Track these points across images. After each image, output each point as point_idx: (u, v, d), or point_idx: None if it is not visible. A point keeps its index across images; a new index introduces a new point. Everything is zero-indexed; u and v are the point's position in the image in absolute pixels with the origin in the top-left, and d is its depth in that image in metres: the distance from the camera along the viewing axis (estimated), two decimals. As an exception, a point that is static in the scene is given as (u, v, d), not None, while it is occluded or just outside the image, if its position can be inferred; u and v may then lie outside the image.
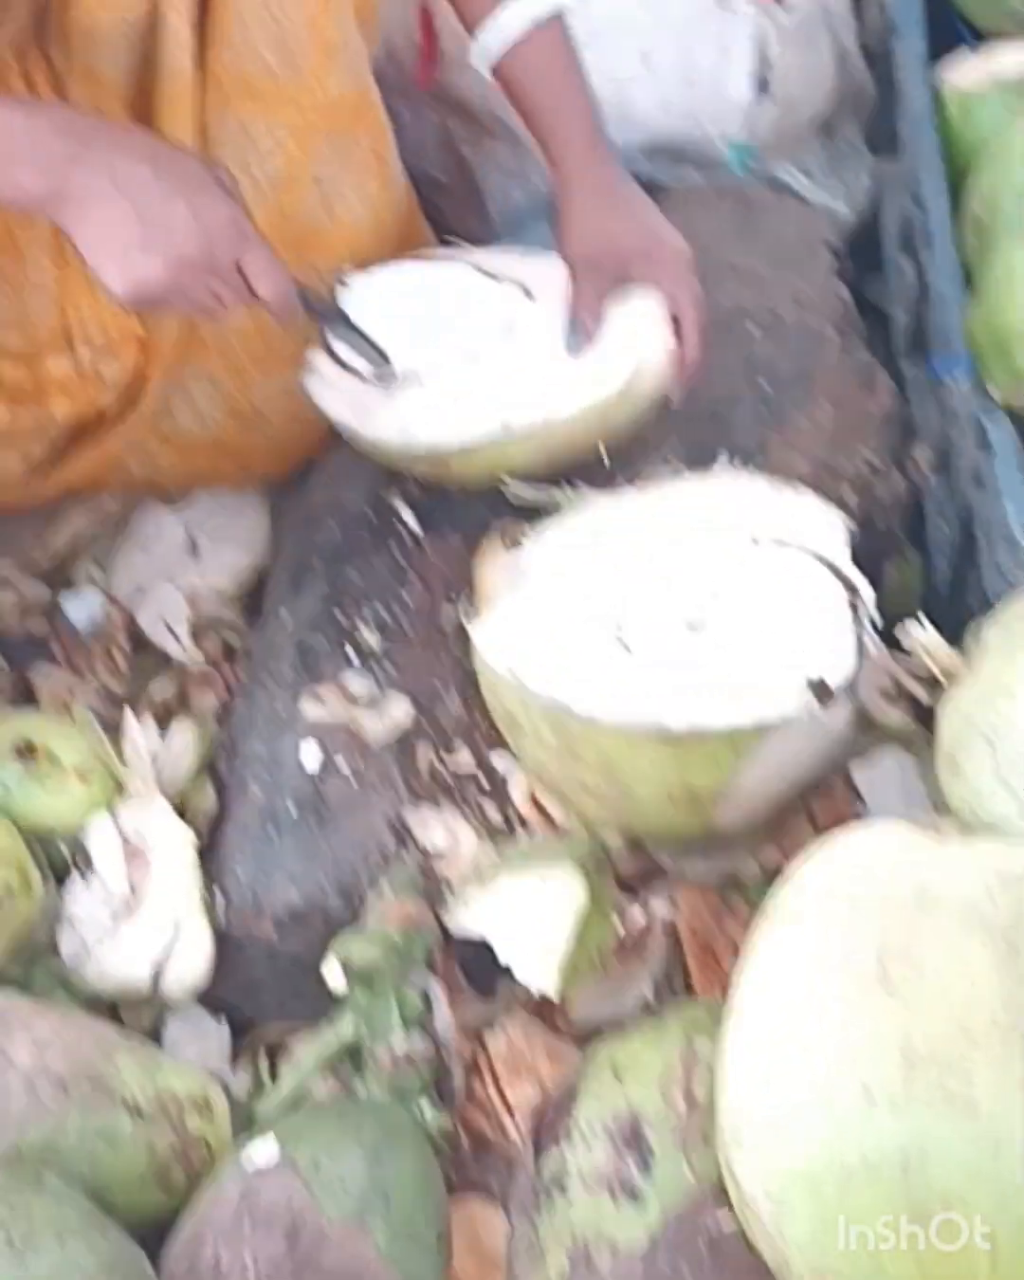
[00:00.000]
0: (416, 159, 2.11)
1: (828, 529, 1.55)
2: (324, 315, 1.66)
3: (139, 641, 1.97)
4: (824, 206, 2.08)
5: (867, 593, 1.50)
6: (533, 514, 1.68)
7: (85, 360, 1.74)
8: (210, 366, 1.79)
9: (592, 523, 1.61)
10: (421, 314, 1.74)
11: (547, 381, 1.67)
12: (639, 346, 1.66)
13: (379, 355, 1.68)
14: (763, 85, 2.02)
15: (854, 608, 1.50)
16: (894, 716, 1.68)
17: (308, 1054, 1.47)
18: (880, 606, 1.79)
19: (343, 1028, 1.48)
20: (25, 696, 1.92)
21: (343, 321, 1.67)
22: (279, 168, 1.69)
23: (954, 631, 1.77)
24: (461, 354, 1.70)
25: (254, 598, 1.99)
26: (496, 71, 1.73)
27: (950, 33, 1.99)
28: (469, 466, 1.68)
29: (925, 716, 1.69)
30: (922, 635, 1.51)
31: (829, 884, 1.22)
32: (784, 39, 2.01)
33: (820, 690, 1.45)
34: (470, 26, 1.74)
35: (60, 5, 1.58)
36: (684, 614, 1.53)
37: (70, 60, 1.60)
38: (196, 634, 1.95)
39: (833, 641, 1.48)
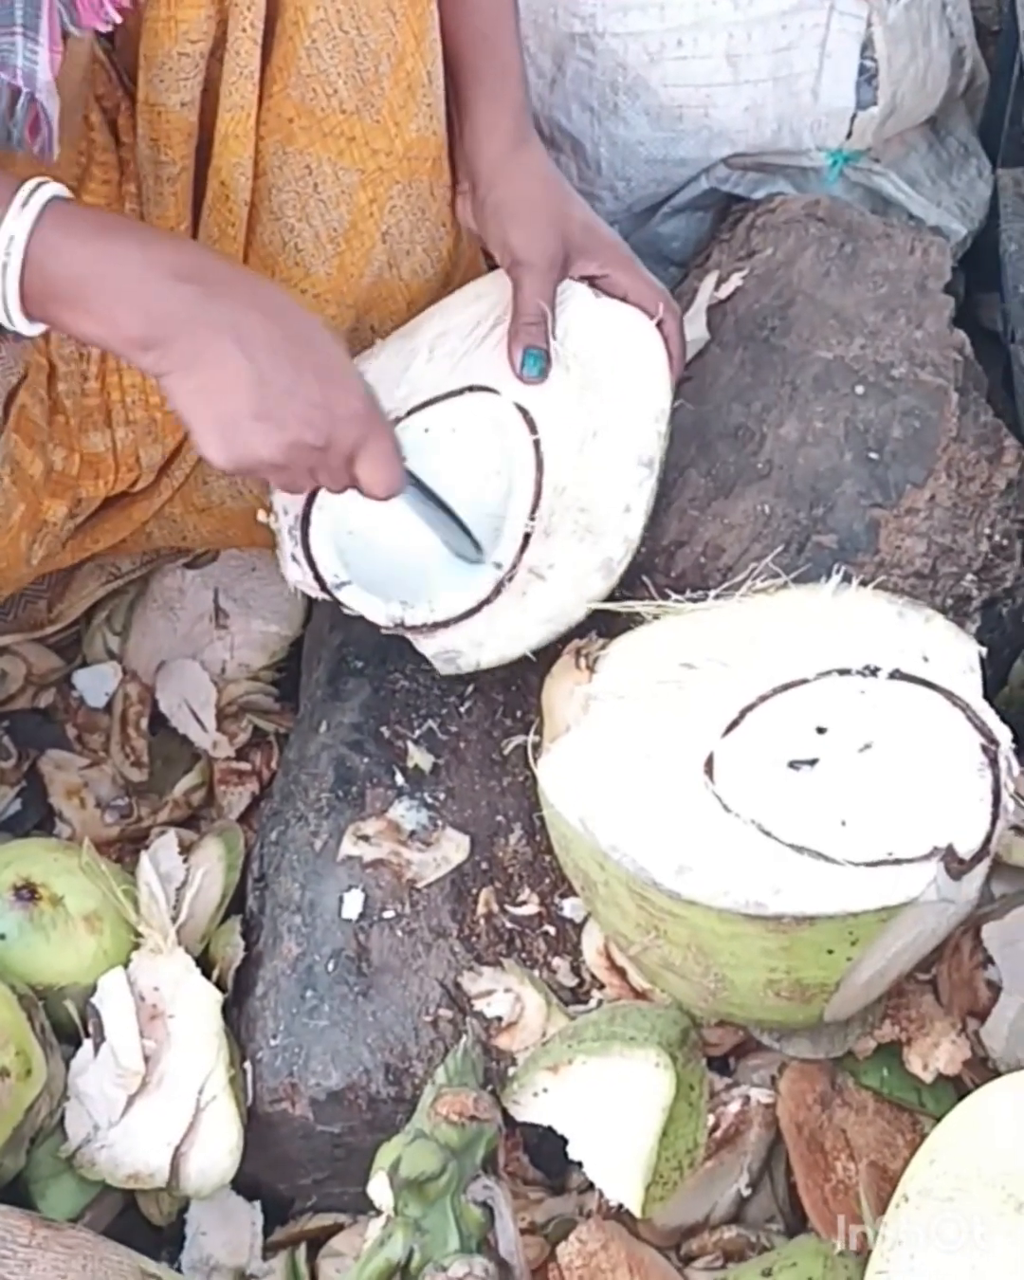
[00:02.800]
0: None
1: (959, 659, 1.31)
2: (431, 505, 1.43)
3: (158, 717, 1.77)
4: (934, 224, 1.82)
5: (1006, 741, 1.27)
6: (608, 621, 1.45)
7: (123, 441, 1.53)
8: None
9: (679, 640, 1.38)
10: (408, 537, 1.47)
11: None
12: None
13: (476, 551, 1.45)
14: (867, 87, 1.76)
15: (990, 756, 1.27)
16: (1026, 850, 1.46)
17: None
18: (1005, 706, 1.58)
19: (391, 1247, 1.27)
20: (34, 785, 1.73)
21: (449, 516, 1.44)
22: (343, 218, 1.46)
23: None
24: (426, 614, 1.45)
25: (287, 666, 1.78)
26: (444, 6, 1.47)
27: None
28: None
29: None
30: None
31: (979, 1165, 1.01)
32: (892, 34, 1.75)
33: (952, 861, 1.23)
34: None
35: (135, 34, 1.37)
36: (786, 752, 1.31)
37: (134, 92, 1.41)
38: (223, 717, 1.75)
39: (965, 797, 1.26)
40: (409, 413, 1.50)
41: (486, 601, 1.44)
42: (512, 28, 1.53)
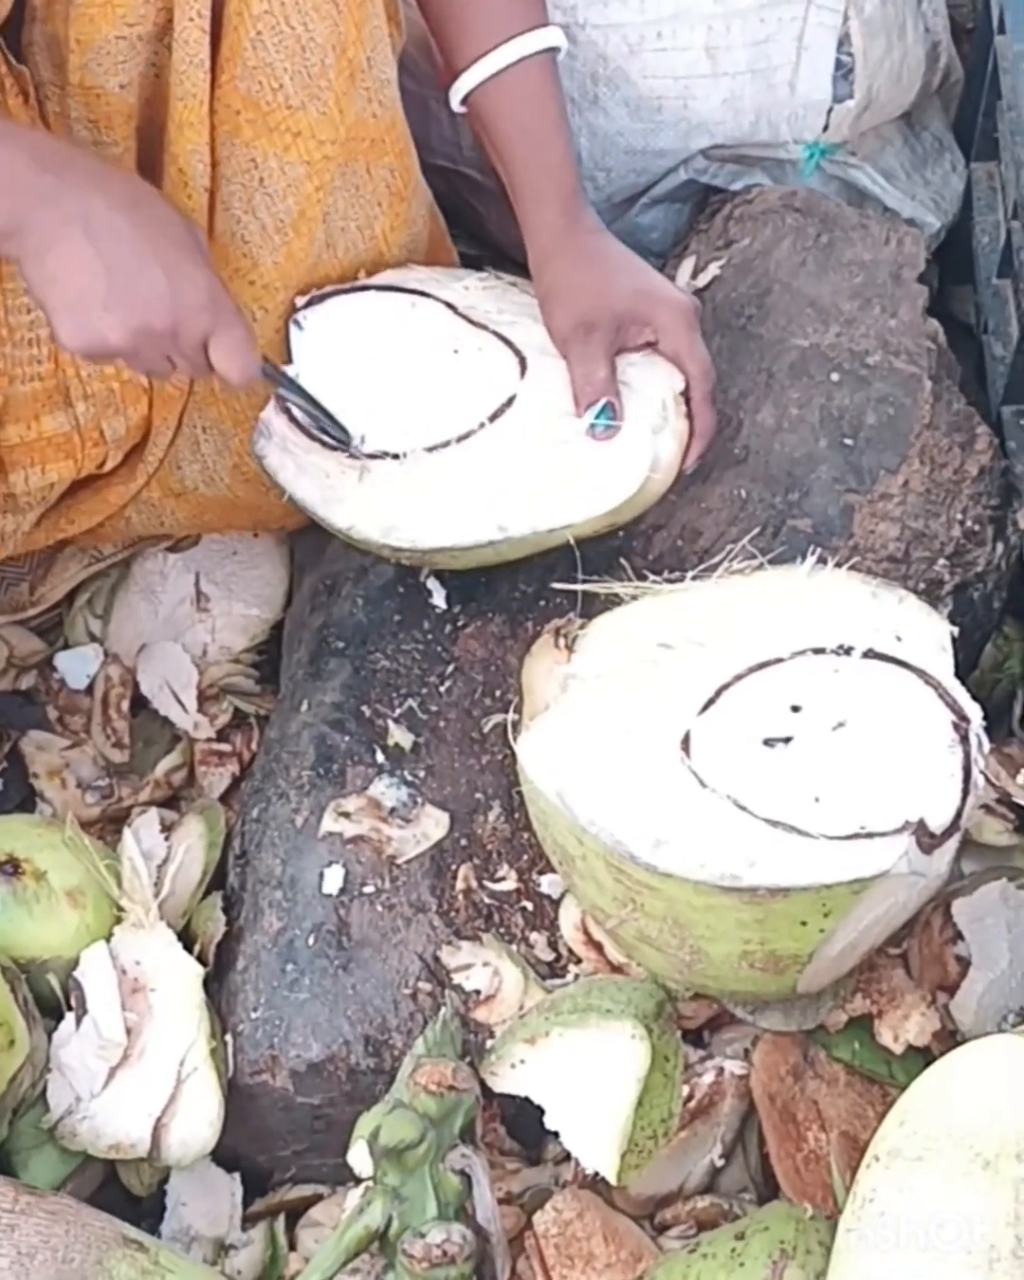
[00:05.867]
0: (451, 158, 1.88)
1: (931, 638, 1.34)
2: (289, 390, 1.48)
3: (140, 700, 1.78)
4: (909, 217, 1.84)
5: (976, 719, 1.29)
6: (587, 602, 1.47)
7: (85, 416, 1.54)
8: (216, 414, 1.58)
9: (656, 620, 1.41)
10: (398, 371, 1.51)
11: (549, 480, 1.45)
12: (652, 441, 1.45)
13: (342, 434, 1.49)
14: (844, 81, 1.78)
15: (961, 733, 1.29)
16: (995, 829, 1.49)
17: (328, 1248, 1.29)
18: (976, 689, 1.60)
19: (370, 1214, 1.29)
20: (15, 766, 1.74)
21: (307, 398, 1.48)
22: (291, 209, 1.47)
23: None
24: (447, 430, 1.48)
25: (268, 649, 1.80)
26: (469, 104, 1.53)
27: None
28: (457, 561, 1.49)
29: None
30: (1044, 774, 1.30)
31: (948, 1125, 1.03)
32: (868, 29, 1.77)
33: (923, 835, 1.25)
34: (453, 64, 1.53)
35: (49, 15, 1.38)
36: (761, 729, 1.33)
37: (65, 74, 1.40)
38: (204, 699, 1.77)
39: (936, 773, 1.28)
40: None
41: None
42: (554, 117, 1.54)
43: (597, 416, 1.46)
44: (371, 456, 1.47)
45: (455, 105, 1.54)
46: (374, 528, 1.45)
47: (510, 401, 1.49)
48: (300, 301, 1.52)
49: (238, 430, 1.59)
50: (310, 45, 1.40)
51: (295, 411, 1.48)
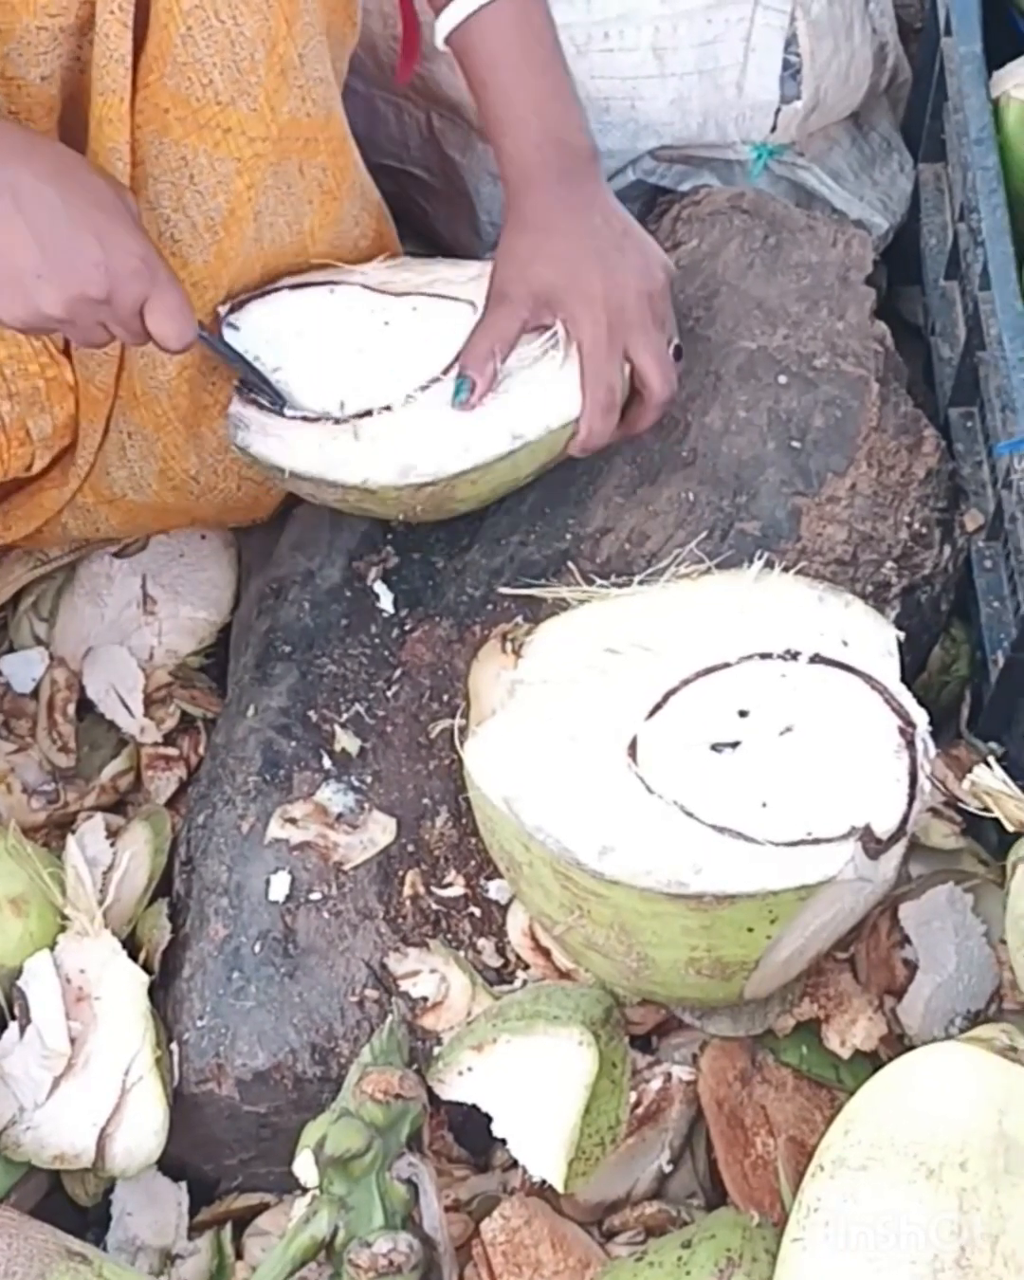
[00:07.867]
0: (398, 158, 1.88)
1: (878, 643, 1.34)
2: (226, 355, 1.49)
3: (85, 703, 1.77)
4: (857, 218, 1.84)
5: (923, 724, 1.29)
6: (534, 607, 1.46)
7: (10, 415, 1.52)
8: (140, 419, 1.57)
9: (603, 625, 1.40)
10: (350, 345, 1.52)
11: (545, 381, 1.47)
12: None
13: (275, 399, 1.49)
14: (791, 82, 1.78)
15: (908, 738, 1.29)
16: (942, 832, 1.49)
17: (274, 1257, 1.28)
18: (924, 691, 1.61)
19: (316, 1224, 1.28)
20: (-40, 771, 1.73)
21: (244, 363, 1.50)
22: (221, 207, 1.46)
23: (1008, 718, 1.59)
24: (430, 370, 1.48)
25: (215, 652, 1.79)
26: (454, 42, 1.51)
27: (1007, 33, 1.74)
28: (478, 486, 1.47)
29: (975, 827, 1.51)
30: (988, 779, 1.30)
31: (892, 1133, 1.03)
32: (815, 29, 1.77)
33: (869, 840, 1.25)
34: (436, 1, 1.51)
35: None
36: (708, 734, 1.33)
37: None
38: (150, 703, 1.76)
39: (883, 778, 1.28)
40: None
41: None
42: (514, 66, 1.50)
43: (457, 388, 1.46)
44: (358, 417, 1.47)
45: (439, 42, 1.51)
46: (390, 472, 1.44)
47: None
48: (223, 310, 1.52)
49: (161, 435, 1.58)
50: (239, 40, 1.39)
51: (262, 399, 1.48)
